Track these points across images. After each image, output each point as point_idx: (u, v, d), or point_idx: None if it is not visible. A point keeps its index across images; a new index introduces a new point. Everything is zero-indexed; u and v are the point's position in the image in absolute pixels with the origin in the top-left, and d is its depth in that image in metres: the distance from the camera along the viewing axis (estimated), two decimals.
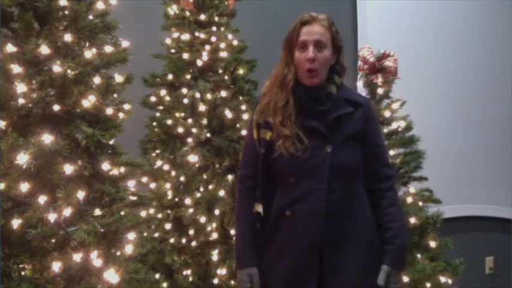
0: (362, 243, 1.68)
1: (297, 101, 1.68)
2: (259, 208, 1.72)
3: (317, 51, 1.65)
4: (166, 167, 2.56)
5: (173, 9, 2.68)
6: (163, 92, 2.64)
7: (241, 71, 2.68)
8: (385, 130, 2.57)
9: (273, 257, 1.71)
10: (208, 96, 2.54)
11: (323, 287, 1.65)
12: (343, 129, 1.68)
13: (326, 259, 1.64)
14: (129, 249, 1.77)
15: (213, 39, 2.62)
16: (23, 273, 1.64)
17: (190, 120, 2.57)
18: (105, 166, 1.79)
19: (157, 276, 2.20)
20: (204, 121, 2.57)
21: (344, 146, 1.68)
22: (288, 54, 1.71)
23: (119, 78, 1.89)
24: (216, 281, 2.47)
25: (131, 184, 1.89)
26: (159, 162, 2.57)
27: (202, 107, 2.55)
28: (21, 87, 1.64)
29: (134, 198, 1.91)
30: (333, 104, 1.69)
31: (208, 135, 2.59)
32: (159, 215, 2.52)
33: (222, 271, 2.46)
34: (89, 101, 1.75)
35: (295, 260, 1.67)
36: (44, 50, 1.69)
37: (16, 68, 1.64)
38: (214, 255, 2.48)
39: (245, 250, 1.73)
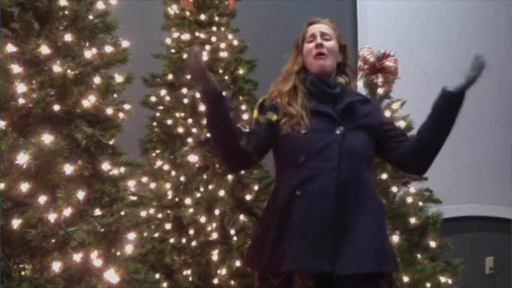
0: (370, 224, 1.67)
1: (306, 88, 1.75)
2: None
3: (324, 40, 1.77)
4: (166, 167, 2.56)
5: (173, 9, 2.68)
6: (163, 92, 2.64)
7: (241, 71, 2.68)
8: None
9: (287, 241, 1.66)
10: None
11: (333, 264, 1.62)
12: (355, 116, 1.72)
13: (336, 239, 1.63)
14: (129, 249, 1.77)
15: (213, 39, 2.62)
16: (23, 273, 1.64)
17: (190, 120, 2.57)
18: (105, 166, 1.79)
19: (157, 276, 2.20)
20: (204, 121, 2.57)
21: (355, 131, 1.70)
22: (297, 52, 1.82)
23: (119, 78, 1.89)
24: (216, 281, 2.47)
25: (131, 184, 1.89)
26: (159, 162, 2.57)
27: (202, 107, 2.55)
28: (21, 87, 1.63)
29: (134, 198, 1.91)
30: (343, 91, 1.76)
31: (208, 135, 2.59)
32: (159, 215, 2.52)
33: (222, 271, 2.46)
34: (89, 101, 1.75)
35: (310, 241, 1.63)
36: (44, 50, 1.69)
37: (16, 68, 1.64)
38: (214, 255, 2.47)
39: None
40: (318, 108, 1.71)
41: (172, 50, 2.68)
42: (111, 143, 1.84)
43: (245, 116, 2.60)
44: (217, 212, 2.50)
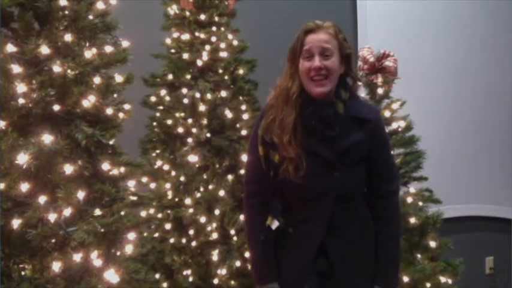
0: (364, 261, 1.71)
1: (304, 120, 1.62)
2: (274, 224, 1.69)
3: (323, 59, 1.58)
4: (166, 167, 2.56)
5: (173, 9, 2.69)
6: (163, 92, 2.64)
7: (241, 71, 2.68)
8: (385, 130, 2.57)
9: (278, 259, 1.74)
10: (208, 96, 2.54)
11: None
12: (352, 156, 1.65)
13: (336, 271, 1.67)
14: (129, 249, 1.78)
15: (213, 39, 2.62)
16: (23, 273, 1.64)
17: (190, 120, 2.57)
18: (105, 166, 1.79)
19: (157, 276, 2.20)
20: (204, 121, 2.57)
21: (351, 169, 1.65)
22: (293, 65, 1.64)
23: (118, 78, 1.89)
24: (216, 281, 2.47)
25: (131, 184, 1.90)
26: (159, 162, 2.57)
27: (202, 107, 2.55)
28: (21, 87, 1.64)
29: (134, 198, 1.92)
30: (342, 128, 1.63)
31: (208, 135, 2.59)
32: (159, 215, 2.52)
33: (222, 271, 2.46)
34: (89, 101, 1.75)
35: (290, 276, 1.70)
36: (44, 50, 1.69)
37: (16, 68, 1.64)
38: (214, 255, 2.47)
39: (264, 268, 1.72)
40: (316, 150, 1.62)
41: (172, 50, 2.68)
42: (111, 143, 1.84)
43: (245, 116, 2.60)
44: (217, 212, 2.50)
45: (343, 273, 1.67)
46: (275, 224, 1.67)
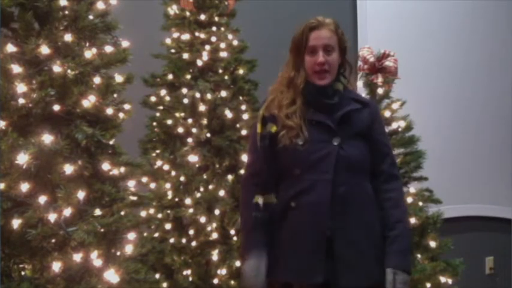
0: (370, 234, 1.68)
1: (305, 97, 1.72)
2: (260, 199, 1.71)
3: (326, 54, 1.71)
4: (166, 167, 2.56)
5: (173, 9, 2.69)
6: (163, 92, 2.64)
7: (241, 71, 2.68)
8: (386, 130, 2.57)
9: (279, 250, 1.69)
10: (208, 96, 2.54)
11: (335, 276, 1.63)
12: (352, 125, 1.71)
13: (337, 250, 1.63)
14: (129, 249, 1.77)
15: (213, 39, 2.62)
16: (23, 273, 1.64)
17: (190, 120, 2.57)
18: (105, 166, 1.79)
19: (157, 276, 2.20)
20: (204, 121, 2.57)
21: (352, 141, 1.70)
22: (297, 57, 1.74)
23: (118, 78, 1.89)
24: (216, 281, 2.47)
25: (131, 184, 1.89)
26: (159, 162, 2.57)
27: (202, 107, 2.55)
28: (21, 87, 1.63)
29: (134, 198, 1.92)
30: (341, 100, 1.73)
31: (208, 135, 2.59)
32: (159, 215, 2.52)
33: (222, 271, 2.46)
34: (89, 101, 1.75)
35: (302, 252, 1.65)
36: (44, 50, 1.69)
37: (16, 68, 1.64)
38: (214, 255, 2.47)
39: (252, 237, 1.71)
40: (316, 118, 1.70)
41: (172, 50, 2.68)
42: (111, 143, 1.84)
43: (245, 116, 2.60)
44: (217, 212, 2.50)
45: (344, 255, 1.63)
46: (261, 200, 1.70)
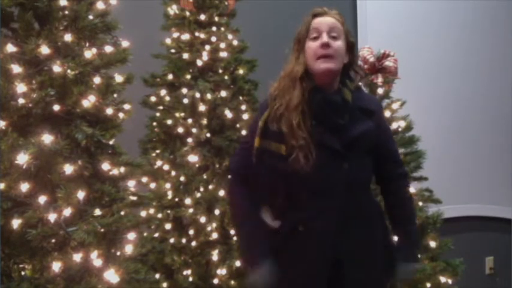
0: (378, 250, 1.70)
1: (313, 107, 1.58)
2: (268, 218, 1.67)
3: (331, 39, 1.56)
4: (166, 167, 2.56)
5: (173, 9, 2.69)
6: (163, 92, 2.64)
7: (241, 71, 2.68)
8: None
9: (283, 268, 1.64)
10: (208, 96, 2.54)
11: None
12: (360, 146, 1.63)
13: (347, 273, 1.61)
14: (129, 249, 1.77)
15: (213, 39, 2.62)
16: (23, 273, 1.64)
17: (190, 120, 2.57)
18: (105, 166, 1.79)
19: (157, 276, 2.20)
20: (204, 121, 2.57)
21: (360, 160, 1.63)
22: (298, 48, 1.62)
23: (118, 78, 1.89)
24: (216, 281, 2.47)
25: (131, 184, 1.89)
26: (159, 162, 2.57)
27: (202, 107, 2.55)
28: (21, 87, 1.64)
29: (134, 198, 1.92)
30: (351, 117, 1.61)
31: (208, 135, 2.59)
32: (159, 215, 2.52)
33: (222, 271, 2.46)
34: (89, 101, 1.75)
35: (306, 273, 1.63)
36: (44, 50, 1.69)
37: (16, 68, 1.64)
38: (214, 255, 2.48)
39: (253, 247, 1.66)
40: (325, 141, 1.58)
41: (172, 50, 2.68)
42: (111, 143, 1.84)
43: (245, 116, 2.60)
44: (217, 212, 2.50)
45: (354, 276, 1.62)
46: (277, 223, 1.65)
